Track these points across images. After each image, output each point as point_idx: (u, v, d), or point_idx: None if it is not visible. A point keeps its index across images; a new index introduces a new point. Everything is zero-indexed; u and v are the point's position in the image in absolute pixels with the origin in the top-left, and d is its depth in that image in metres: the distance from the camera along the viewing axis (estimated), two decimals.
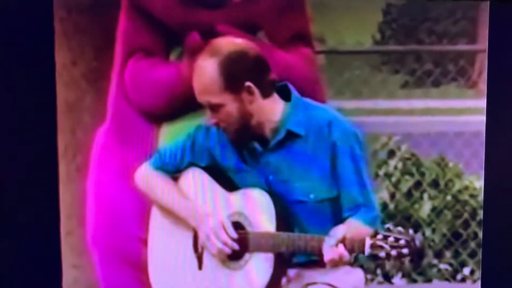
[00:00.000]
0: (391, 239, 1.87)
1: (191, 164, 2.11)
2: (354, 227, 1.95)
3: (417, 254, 1.87)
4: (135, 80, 2.18)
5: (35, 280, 2.21)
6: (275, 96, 2.01)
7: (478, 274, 2.28)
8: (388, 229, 1.89)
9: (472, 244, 2.30)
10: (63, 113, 2.19)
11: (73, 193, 2.21)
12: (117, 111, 2.21)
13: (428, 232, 2.30)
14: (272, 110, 2.00)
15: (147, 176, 2.13)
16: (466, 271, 2.31)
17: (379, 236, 1.88)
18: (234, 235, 2.02)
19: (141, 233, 2.20)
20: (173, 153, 2.12)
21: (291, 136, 2.01)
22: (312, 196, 2.01)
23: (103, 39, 2.18)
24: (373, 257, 1.89)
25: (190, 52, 2.07)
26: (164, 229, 2.13)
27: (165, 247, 2.13)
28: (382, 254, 1.87)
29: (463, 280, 2.31)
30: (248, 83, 1.96)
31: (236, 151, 2.06)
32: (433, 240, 2.31)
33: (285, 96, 2.03)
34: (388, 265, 1.94)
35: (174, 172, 2.12)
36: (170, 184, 2.11)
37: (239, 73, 1.96)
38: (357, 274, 2.09)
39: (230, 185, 2.08)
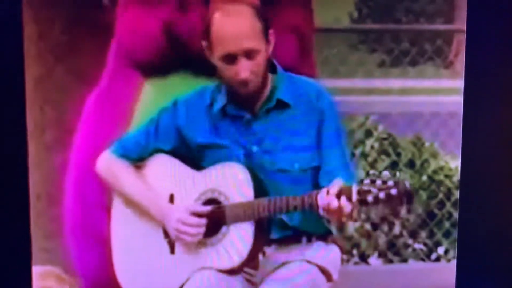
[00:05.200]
0: (378, 182, 1.84)
1: (156, 151, 2.06)
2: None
3: (406, 196, 1.84)
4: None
5: (3, 265, 2.12)
6: None
7: (452, 253, 2.30)
8: (374, 174, 1.86)
9: (447, 224, 2.32)
10: (31, 89, 2.11)
11: (42, 173, 2.14)
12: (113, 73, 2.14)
13: (403, 213, 2.31)
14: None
15: (109, 164, 2.06)
16: (441, 250, 2.33)
17: (366, 181, 1.85)
18: (204, 209, 1.99)
19: None
20: (136, 139, 2.06)
21: (279, 105, 2.00)
22: (296, 165, 2.00)
23: (73, 11, 2.10)
24: (362, 203, 1.85)
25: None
26: (129, 217, 2.08)
27: (131, 236, 2.08)
28: (370, 198, 1.82)
29: (438, 259, 2.33)
30: (271, 31, 1.95)
31: (212, 125, 2.02)
32: (408, 220, 2.32)
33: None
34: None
35: (137, 160, 2.06)
36: (132, 174, 2.06)
37: (267, 20, 1.94)
38: (334, 251, 2.09)
39: (199, 165, 2.04)
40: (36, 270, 2.12)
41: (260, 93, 1.98)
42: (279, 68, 2.02)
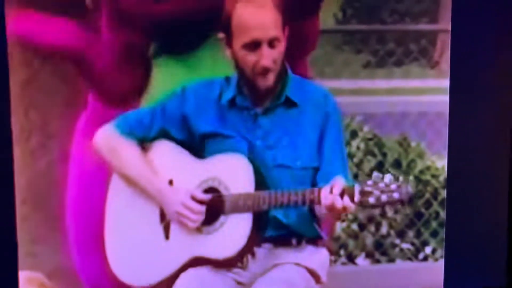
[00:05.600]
0: (381, 184, 1.85)
1: (162, 135, 2.05)
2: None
3: (408, 200, 1.84)
4: None
5: None
6: None
7: (440, 252, 2.31)
8: (377, 177, 1.85)
9: (434, 224, 2.32)
10: (16, 93, 2.09)
11: (28, 177, 2.12)
12: None
13: (390, 212, 2.31)
14: None
15: (111, 139, 2.04)
16: (428, 250, 2.33)
17: (369, 182, 1.86)
18: (205, 196, 1.99)
19: None
20: (141, 117, 2.05)
21: (287, 103, 2.03)
22: (298, 163, 2.02)
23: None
24: (363, 204, 1.84)
25: None
26: (124, 201, 2.07)
27: (125, 220, 2.07)
28: (372, 200, 1.83)
29: (425, 259, 2.33)
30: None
31: (218, 115, 2.03)
32: (395, 220, 2.32)
33: None
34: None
35: (141, 140, 2.05)
36: (135, 152, 2.04)
37: (284, 12, 1.98)
38: (323, 254, 2.09)
39: (202, 155, 2.04)
40: (21, 275, 2.11)
41: (271, 89, 2.00)
42: (288, 70, 2.05)
